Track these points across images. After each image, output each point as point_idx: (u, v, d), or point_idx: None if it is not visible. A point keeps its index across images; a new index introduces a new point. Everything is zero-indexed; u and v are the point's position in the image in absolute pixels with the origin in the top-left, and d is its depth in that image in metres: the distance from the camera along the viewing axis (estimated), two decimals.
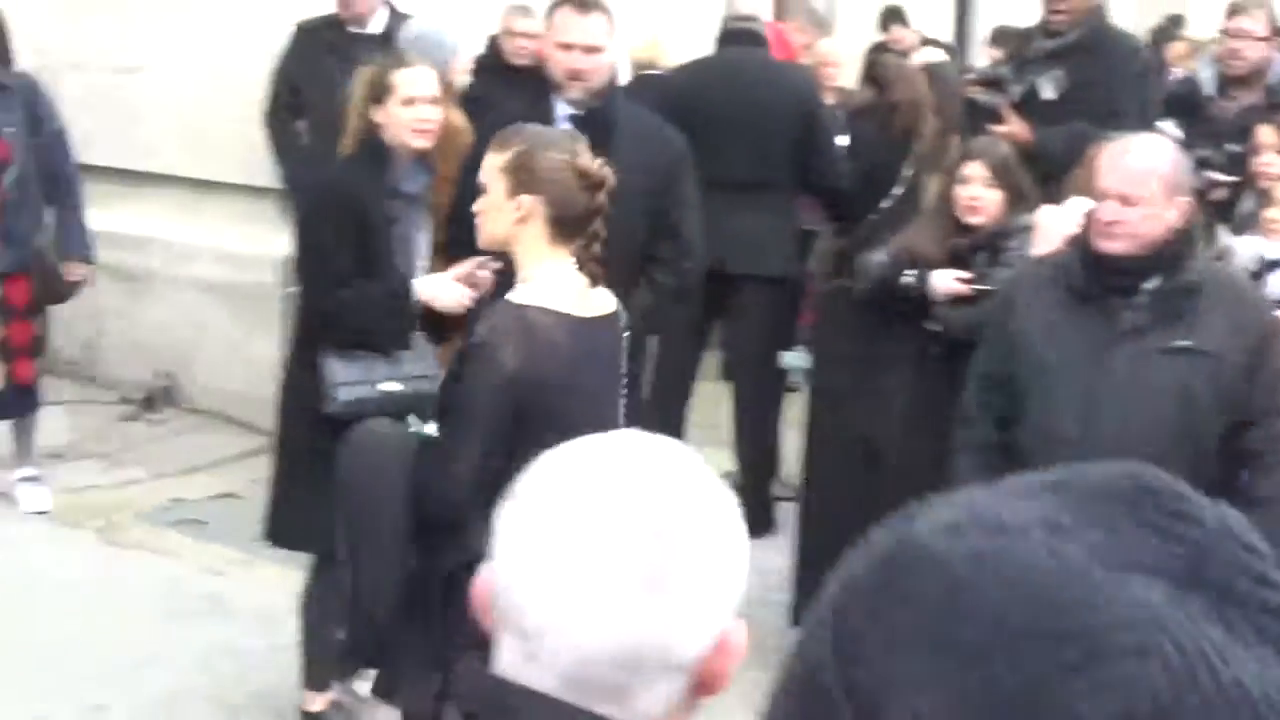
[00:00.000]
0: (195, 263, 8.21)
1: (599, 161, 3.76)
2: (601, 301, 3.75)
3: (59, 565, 6.24)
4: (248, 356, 7.97)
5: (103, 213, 7.40)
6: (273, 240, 7.60)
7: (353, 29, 7.35)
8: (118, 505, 6.87)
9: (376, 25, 7.40)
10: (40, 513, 6.77)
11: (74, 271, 6.67)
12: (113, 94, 8.20)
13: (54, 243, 6.60)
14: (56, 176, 6.62)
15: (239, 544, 6.25)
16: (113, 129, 8.03)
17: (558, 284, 3.62)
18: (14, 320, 6.60)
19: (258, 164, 7.57)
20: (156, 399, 8.15)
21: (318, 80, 7.08)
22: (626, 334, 3.89)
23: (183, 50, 8.07)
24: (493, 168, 3.70)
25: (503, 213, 3.66)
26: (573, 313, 3.61)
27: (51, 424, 7.25)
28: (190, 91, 8.07)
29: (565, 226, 3.64)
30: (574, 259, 3.68)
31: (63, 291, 6.69)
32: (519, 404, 3.51)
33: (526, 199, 3.63)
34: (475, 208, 3.77)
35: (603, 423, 3.51)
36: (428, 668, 3.56)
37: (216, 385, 8.10)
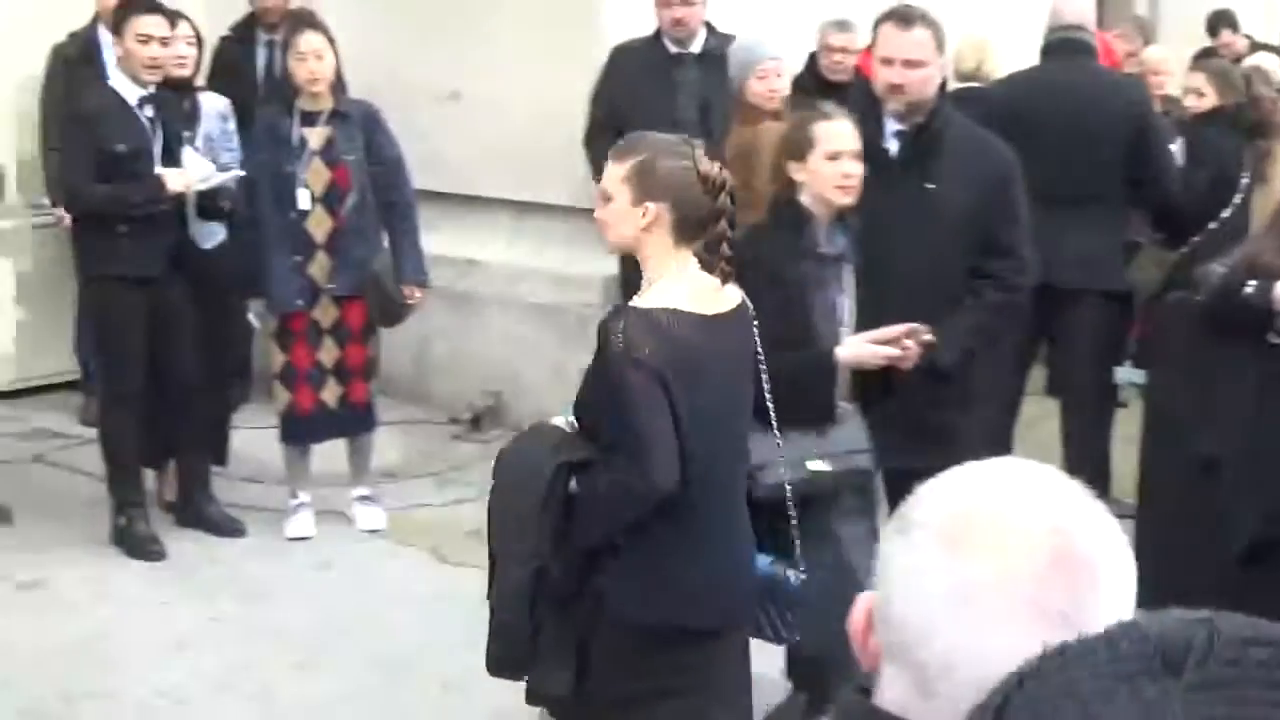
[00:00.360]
0: (521, 284, 8.34)
1: (717, 165, 3.85)
2: (730, 298, 3.85)
3: (394, 582, 6.39)
4: (572, 377, 8.04)
5: (431, 236, 7.57)
6: (596, 261, 7.68)
7: (675, 49, 7.40)
8: (448, 523, 6.99)
9: (696, 45, 7.44)
10: (374, 531, 6.93)
11: (411, 295, 6.78)
12: (440, 120, 8.38)
13: (390, 267, 6.73)
14: (394, 203, 6.75)
15: None
16: (439, 154, 8.20)
17: (684, 284, 3.75)
18: (350, 342, 6.78)
19: (580, 186, 7.67)
20: (483, 418, 8.29)
21: (638, 101, 7.17)
22: (755, 325, 3.96)
23: (506, 74, 8.20)
24: (615, 177, 3.80)
25: (628, 219, 3.77)
26: (698, 310, 3.73)
27: (384, 444, 7.41)
28: (514, 115, 8.19)
29: (689, 229, 3.76)
30: (698, 259, 3.80)
31: (398, 315, 6.83)
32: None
33: (652, 206, 3.74)
34: (598, 215, 3.89)
35: (734, 413, 3.86)
36: (564, 662, 3.77)
37: (541, 405, 8.19)
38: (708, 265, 3.80)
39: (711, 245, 3.80)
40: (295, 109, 6.58)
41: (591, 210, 7.45)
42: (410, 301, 6.80)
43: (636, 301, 3.78)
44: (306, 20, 6.77)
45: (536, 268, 8.29)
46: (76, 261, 6.84)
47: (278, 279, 6.65)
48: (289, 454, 6.98)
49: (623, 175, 3.78)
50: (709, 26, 7.46)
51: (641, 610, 3.76)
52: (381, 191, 6.71)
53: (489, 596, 3.95)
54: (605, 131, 7.40)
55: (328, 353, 6.77)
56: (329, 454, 7.06)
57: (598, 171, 7.40)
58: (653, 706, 3.81)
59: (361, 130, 6.65)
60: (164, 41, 6.41)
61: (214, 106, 7.03)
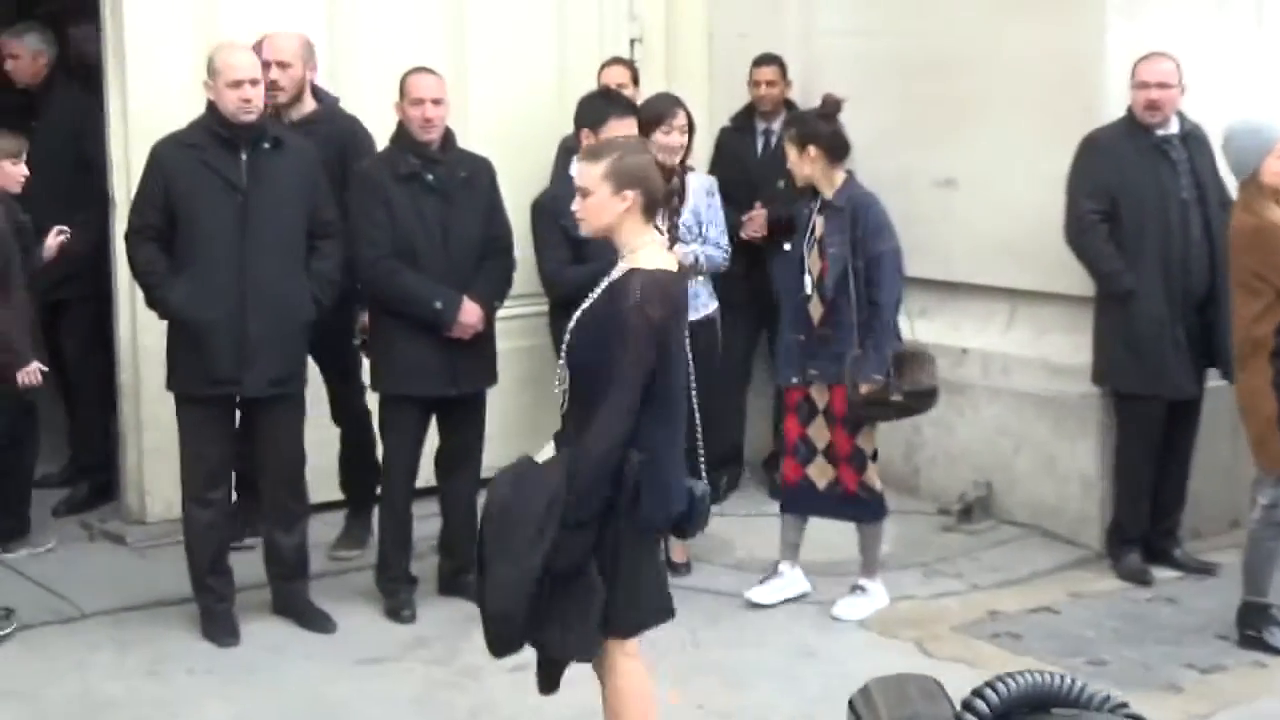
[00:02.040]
0: (1014, 373, 8.16)
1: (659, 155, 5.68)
2: (672, 257, 4.95)
3: (876, 674, 6.24)
4: (1063, 468, 7.83)
5: (924, 323, 7.48)
6: (1089, 349, 7.45)
7: (1159, 132, 7.17)
8: (934, 616, 6.89)
9: (1173, 126, 7.21)
10: (858, 622, 6.87)
11: (869, 391, 6.75)
12: (935, 207, 8.30)
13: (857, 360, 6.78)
14: (871, 300, 6.73)
15: (1054, 656, 6.17)
16: (934, 241, 8.12)
17: (657, 251, 4.80)
18: (836, 427, 6.84)
19: (1073, 273, 7.48)
20: (974, 509, 8.13)
21: (1130, 184, 7.13)
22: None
23: (1000, 161, 8.07)
24: (594, 176, 4.76)
25: (609, 208, 4.75)
26: (671, 268, 4.79)
27: None
28: (1009, 202, 8.05)
29: (652, 208, 4.80)
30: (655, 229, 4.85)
31: (858, 410, 6.85)
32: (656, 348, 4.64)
33: (630, 193, 4.74)
34: (575, 208, 4.85)
35: (682, 360, 4.80)
36: (587, 625, 4.68)
37: (1033, 495, 8.00)
38: (660, 232, 4.92)
39: (665, 217, 5.38)
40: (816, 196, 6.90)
41: (1084, 298, 7.37)
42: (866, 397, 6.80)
43: (637, 265, 4.71)
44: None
45: (1030, 356, 8.10)
46: None
47: (785, 353, 7.01)
48: (781, 521, 7.18)
49: (600, 173, 4.75)
50: (1180, 115, 7.27)
51: (664, 515, 4.77)
52: (865, 286, 6.73)
53: (476, 596, 4.80)
54: (1094, 217, 7.20)
55: (818, 431, 6.93)
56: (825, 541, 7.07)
57: (1090, 258, 7.25)
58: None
59: (850, 222, 6.72)
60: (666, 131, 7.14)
61: (700, 184, 7.42)
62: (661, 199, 4.84)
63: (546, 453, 4.80)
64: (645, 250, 4.75)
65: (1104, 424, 7.58)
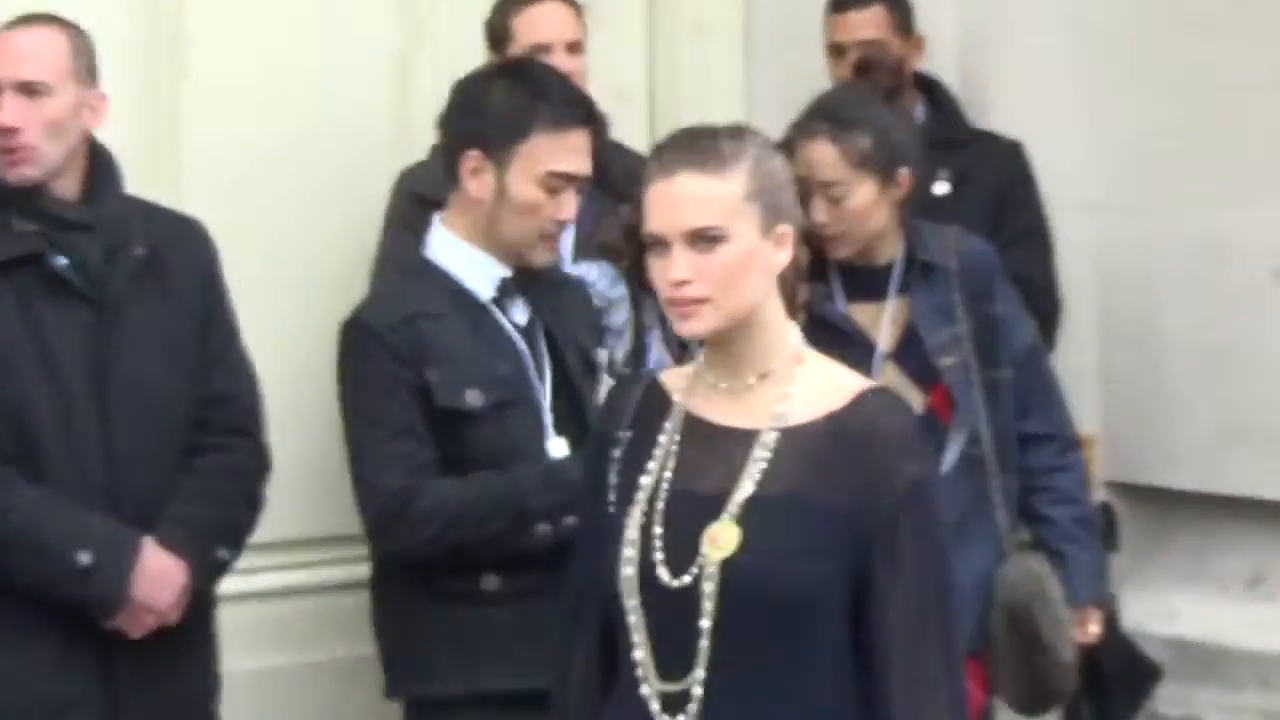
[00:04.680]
0: None
1: None
2: None
3: None
4: None
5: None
6: None
7: None
8: None
9: None
10: None
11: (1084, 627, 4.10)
12: (1250, 318, 4.70)
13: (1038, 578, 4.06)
14: None
15: None
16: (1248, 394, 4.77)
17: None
18: None
19: None
20: None
21: None
22: None
23: None
24: (722, 198, 2.42)
25: (758, 261, 2.45)
26: None
27: None
28: None
29: None
30: None
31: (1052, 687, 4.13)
32: None
33: (786, 228, 2.50)
34: (671, 285, 2.46)
35: None
36: None
37: None
38: None
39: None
40: None
41: None
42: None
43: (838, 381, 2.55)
44: None
45: None
46: None
47: None
48: None
49: (742, 192, 2.43)
50: None
51: None
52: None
53: None
54: None
55: None
56: None
57: None
58: None
59: (970, 297, 4.44)
60: None
61: None
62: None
63: None
64: (817, 358, 2.57)
65: None
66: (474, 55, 4.39)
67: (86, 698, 3.49)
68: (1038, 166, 4.67)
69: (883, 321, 3.80)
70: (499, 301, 3.47)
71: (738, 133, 2.51)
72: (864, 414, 2.41)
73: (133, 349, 3.54)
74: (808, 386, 2.44)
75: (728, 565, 2.36)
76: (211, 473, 3.64)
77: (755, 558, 2.35)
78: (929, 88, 4.73)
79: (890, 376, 3.72)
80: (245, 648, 3.84)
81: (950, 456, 3.77)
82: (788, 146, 3.58)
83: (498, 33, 4.45)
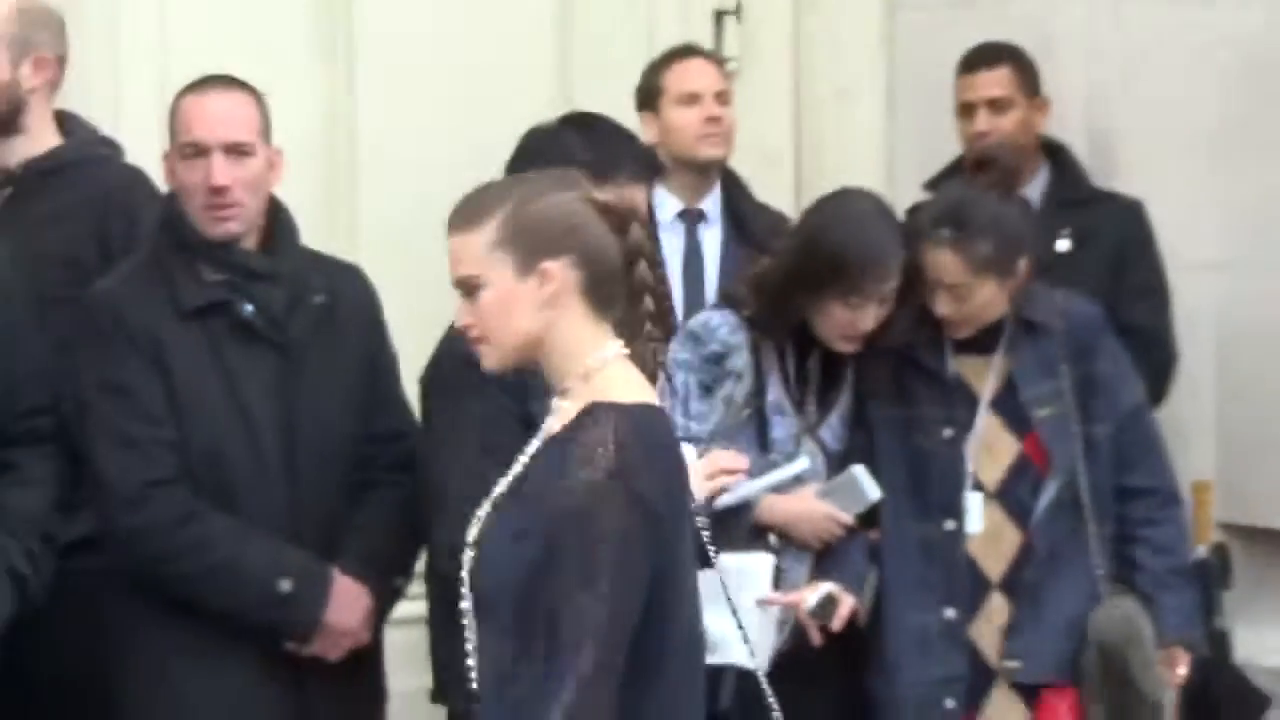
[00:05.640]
0: None
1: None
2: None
3: None
4: None
5: None
6: None
7: None
8: None
9: None
10: None
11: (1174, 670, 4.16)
12: None
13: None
14: None
15: None
16: None
17: (628, 373, 2.67)
18: None
19: None
20: None
21: None
22: None
23: None
24: (474, 248, 2.63)
25: (517, 300, 2.62)
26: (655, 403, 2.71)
27: None
28: None
29: (604, 290, 2.66)
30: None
31: None
32: None
33: (552, 264, 2.61)
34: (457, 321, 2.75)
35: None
36: None
37: None
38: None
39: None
40: None
41: None
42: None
43: (600, 398, 2.59)
44: None
45: None
46: None
47: (907, 652, 4.09)
48: None
49: (488, 240, 2.61)
50: None
51: None
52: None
53: None
54: None
55: None
56: None
57: None
58: None
59: (1073, 356, 4.28)
60: None
61: None
62: (623, 271, 2.68)
63: None
64: (611, 373, 2.64)
65: None
66: None
67: (280, 714, 3.67)
68: (1161, 225, 4.75)
69: (987, 374, 4.02)
70: None
71: (509, 184, 2.75)
72: (572, 427, 2.55)
73: (313, 391, 3.69)
74: (576, 403, 2.58)
75: (474, 555, 2.62)
76: (384, 507, 3.79)
77: (477, 549, 2.61)
78: (1053, 151, 4.82)
79: (990, 424, 3.97)
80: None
81: (1045, 499, 3.96)
82: (911, 247, 3.91)
83: (648, 92, 4.71)
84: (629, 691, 2.51)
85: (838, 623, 3.87)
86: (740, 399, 3.97)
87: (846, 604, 3.89)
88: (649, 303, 2.72)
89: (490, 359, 2.65)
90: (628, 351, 2.66)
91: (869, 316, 3.92)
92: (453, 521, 3.08)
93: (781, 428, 4.02)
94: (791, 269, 3.96)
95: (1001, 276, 3.94)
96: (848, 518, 3.95)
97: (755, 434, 3.98)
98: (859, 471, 3.97)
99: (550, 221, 2.60)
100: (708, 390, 3.96)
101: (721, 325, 4.00)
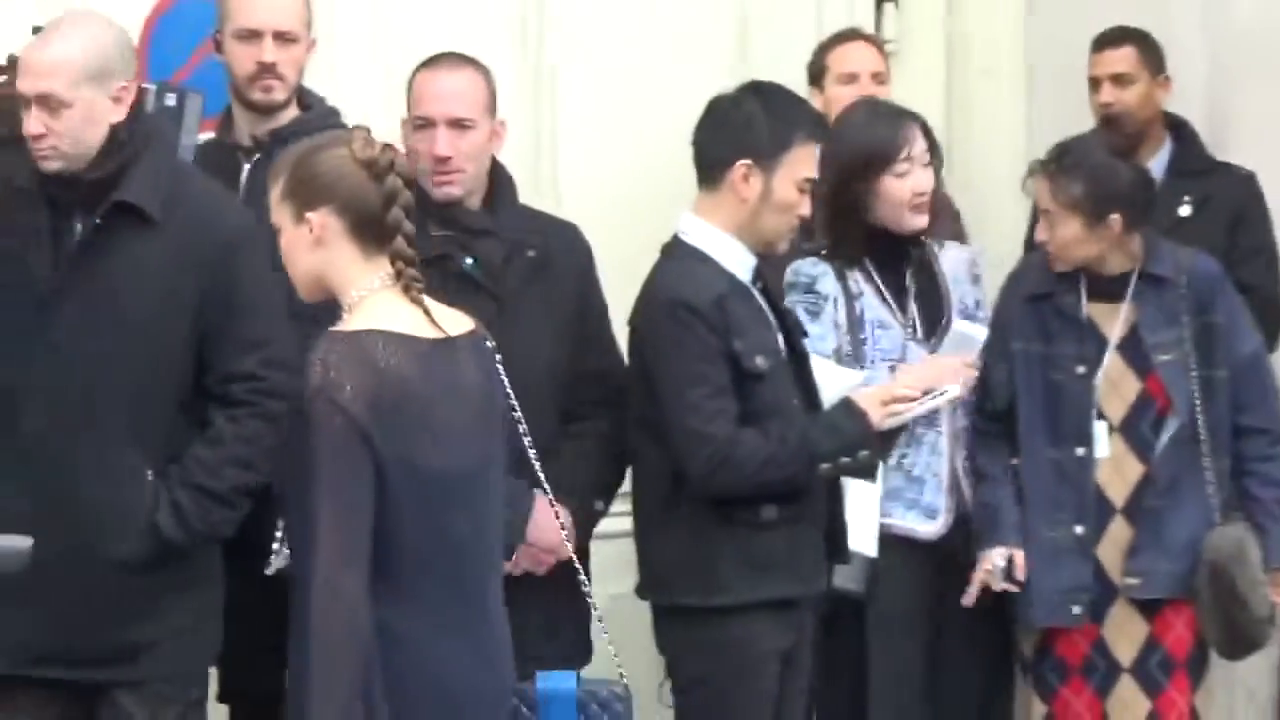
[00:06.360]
0: None
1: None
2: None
3: None
4: None
5: None
6: None
7: None
8: None
9: None
10: None
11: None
12: None
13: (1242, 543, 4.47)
14: None
15: None
16: None
17: (397, 301, 3.05)
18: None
19: None
20: None
21: None
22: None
23: None
24: (275, 205, 3.14)
25: (298, 246, 3.09)
26: (426, 334, 3.04)
27: None
28: None
29: (369, 228, 3.05)
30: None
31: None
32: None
33: (313, 215, 3.05)
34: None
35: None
36: None
37: None
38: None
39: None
40: None
41: None
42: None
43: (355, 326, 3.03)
44: None
45: None
46: None
47: (1043, 569, 4.47)
48: None
49: (278, 195, 3.11)
50: None
51: None
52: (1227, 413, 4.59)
53: None
54: None
55: (1125, 703, 4.47)
56: None
57: None
58: None
59: (1194, 308, 4.59)
60: None
61: (957, 262, 4.66)
62: (383, 208, 3.00)
63: None
64: (374, 301, 3.02)
65: None
66: None
67: None
68: (1271, 195, 5.13)
69: (1116, 319, 4.46)
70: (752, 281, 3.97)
71: (298, 146, 3.15)
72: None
73: (525, 334, 3.92)
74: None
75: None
76: (587, 438, 4.15)
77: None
78: (1176, 126, 5.24)
79: (1115, 363, 4.44)
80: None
81: (1166, 435, 4.40)
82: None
83: (815, 70, 5.25)
84: (389, 583, 2.90)
85: (1020, 574, 4.38)
86: (842, 321, 4.37)
87: (1019, 560, 4.39)
88: (401, 242, 3.02)
89: (299, 292, 3.13)
90: (403, 284, 3.03)
91: (922, 178, 4.36)
92: (697, 448, 3.74)
93: (888, 339, 4.40)
94: (835, 183, 4.30)
95: (1087, 219, 4.34)
96: (972, 357, 4.31)
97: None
98: (960, 324, 4.42)
99: (315, 176, 3.02)
100: (815, 316, 4.33)
101: (803, 264, 4.43)
